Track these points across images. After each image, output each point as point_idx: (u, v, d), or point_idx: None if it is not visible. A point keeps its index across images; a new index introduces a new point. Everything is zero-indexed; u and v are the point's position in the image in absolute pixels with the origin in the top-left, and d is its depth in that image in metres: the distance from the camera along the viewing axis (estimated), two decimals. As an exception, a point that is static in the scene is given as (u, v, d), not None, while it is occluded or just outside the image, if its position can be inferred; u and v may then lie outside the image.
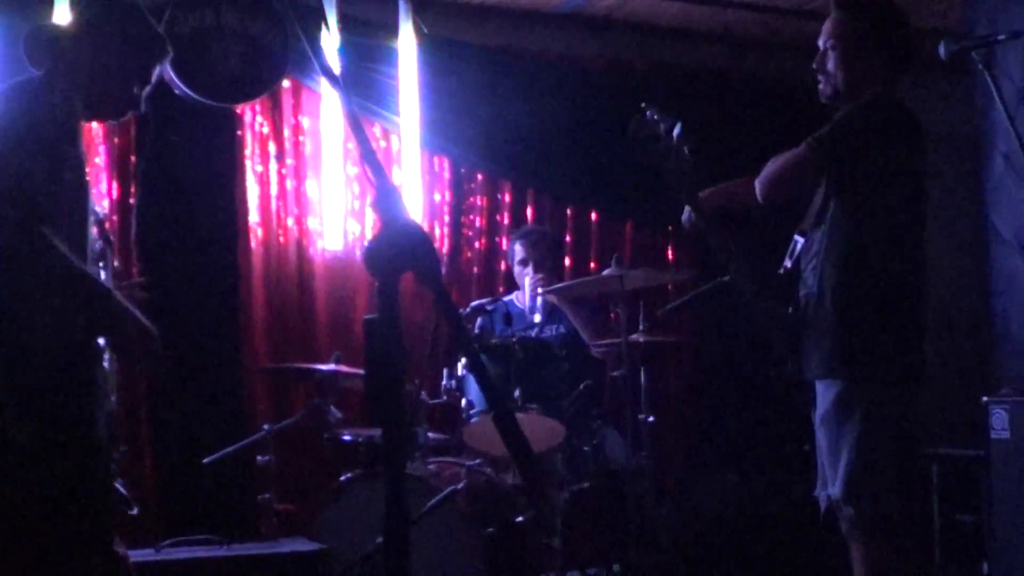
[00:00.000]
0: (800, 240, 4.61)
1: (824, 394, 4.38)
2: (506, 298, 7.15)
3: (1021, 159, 4.08)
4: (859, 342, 4.33)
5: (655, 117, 4.73)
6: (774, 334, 4.55)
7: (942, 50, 4.24)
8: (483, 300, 6.27)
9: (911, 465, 4.40)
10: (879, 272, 4.39)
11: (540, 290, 6.70)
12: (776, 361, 4.57)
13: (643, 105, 4.80)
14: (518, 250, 6.97)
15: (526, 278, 6.87)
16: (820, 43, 4.59)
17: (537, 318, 6.75)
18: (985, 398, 5.87)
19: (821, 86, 4.62)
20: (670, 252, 8.51)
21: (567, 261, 8.10)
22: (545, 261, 6.88)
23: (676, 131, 4.66)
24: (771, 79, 8.68)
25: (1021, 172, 6.00)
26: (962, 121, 7.37)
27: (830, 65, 4.54)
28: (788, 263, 4.65)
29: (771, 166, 4.48)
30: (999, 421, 5.77)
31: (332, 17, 7.14)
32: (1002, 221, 6.63)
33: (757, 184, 4.52)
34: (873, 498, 4.27)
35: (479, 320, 6.62)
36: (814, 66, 4.60)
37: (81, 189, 3.59)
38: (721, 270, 4.75)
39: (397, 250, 2.21)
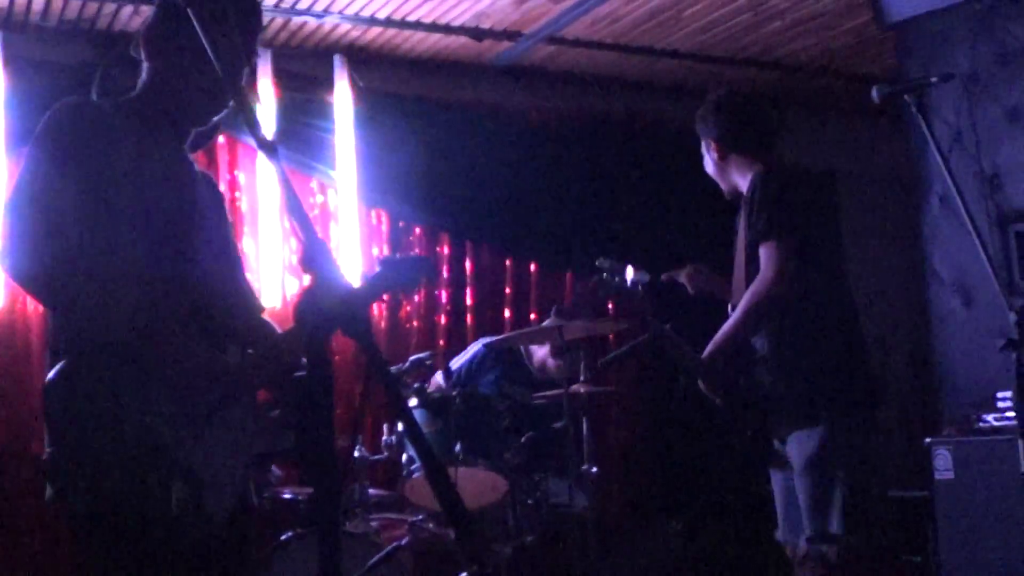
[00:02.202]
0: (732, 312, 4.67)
1: (804, 443, 4.48)
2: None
3: (956, 201, 4.09)
4: (830, 386, 4.47)
5: (611, 275, 4.98)
6: (732, 408, 4.61)
7: (875, 94, 4.27)
8: (421, 355, 6.21)
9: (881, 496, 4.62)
10: (825, 315, 4.55)
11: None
12: (739, 430, 4.64)
13: (596, 263, 5.17)
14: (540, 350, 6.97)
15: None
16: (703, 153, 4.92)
17: None
18: (928, 439, 5.89)
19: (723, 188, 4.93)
20: (609, 302, 8.50)
21: (507, 312, 8.09)
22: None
23: (636, 282, 4.89)
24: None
25: (957, 213, 6.04)
26: (899, 164, 7.42)
27: (715, 173, 4.92)
28: None
29: (760, 284, 4.49)
30: (943, 462, 5.78)
31: (267, 72, 7.14)
32: (940, 263, 6.68)
33: (759, 305, 4.48)
34: (866, 529, 4.40)
35: (494, 368, 6.70)
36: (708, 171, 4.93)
37: None
38: (661, 320, 4.80)
39: (326, 306, 2.18)
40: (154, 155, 3.23)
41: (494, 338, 6.78)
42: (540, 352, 6.93)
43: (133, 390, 2.98)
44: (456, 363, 6.97)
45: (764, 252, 4.49)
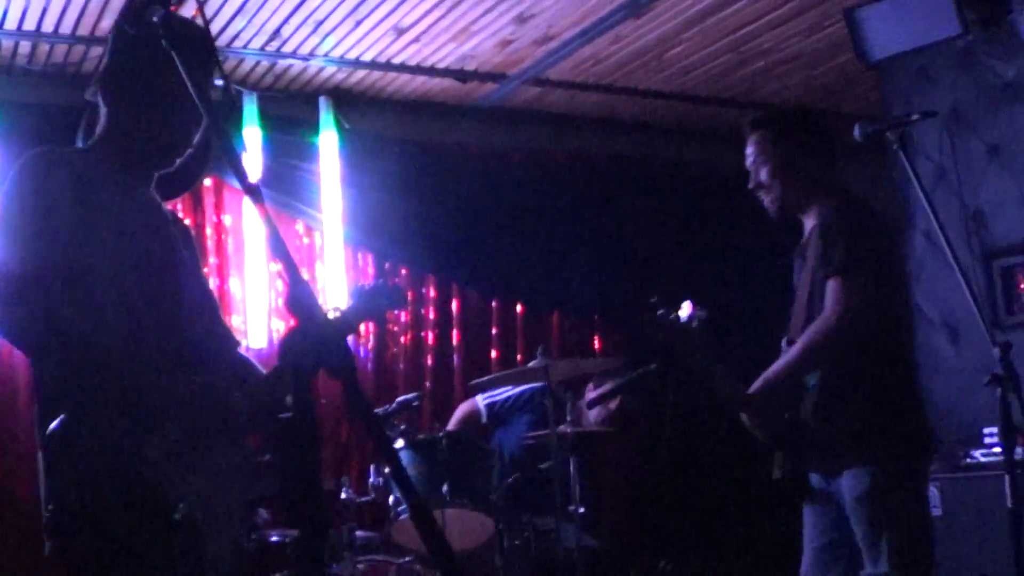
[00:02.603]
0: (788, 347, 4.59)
1: (856, 481, 4.37)
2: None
3: (940, 237, 4.10)
4: (885, 426, 4.38)
5: (666, 312, 4.70)
6: (775, 443, 4.54)
7: (857, 133, 4.28)
8: (408, 396, 6.21)
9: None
10: (884, 357, 4.44)
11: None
12: (779, 465, 4.59)
13: (650, 300, 4.76)
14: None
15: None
16: (748, 164, 4.67)
17: None
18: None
19: (766, 204, 4.67)
20: (596, 341, 8.52)
21: (493, 353, 8.10)
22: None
23: (692, 317, 4.66)
24: (689, 165, 8.76)
25: (942, 250, 6.05)
26: (881, 202, 7.44)
27: (766, 182, 4.62)
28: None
29: (825, 322, 4.35)
30: (931, 498, 5.78)
31: (253, 114, 7.15)
32: (925, 299, 6.69)
33: (822, 342, 4.39)
34: (922, 571, 4.36)
35: (529, 413, 6.76)
36: (751, 186, 4.66)
37: None
38: (647, 359, 4.73)
39: (310, 348, 2.18)
40: (127, 198, 3.22)
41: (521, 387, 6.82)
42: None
43: (133, 442, 2.96)
44: (491, 398, 7.03)
45: (833, 287, 4.35)
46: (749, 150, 4.67)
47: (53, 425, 2.98)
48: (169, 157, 3.35)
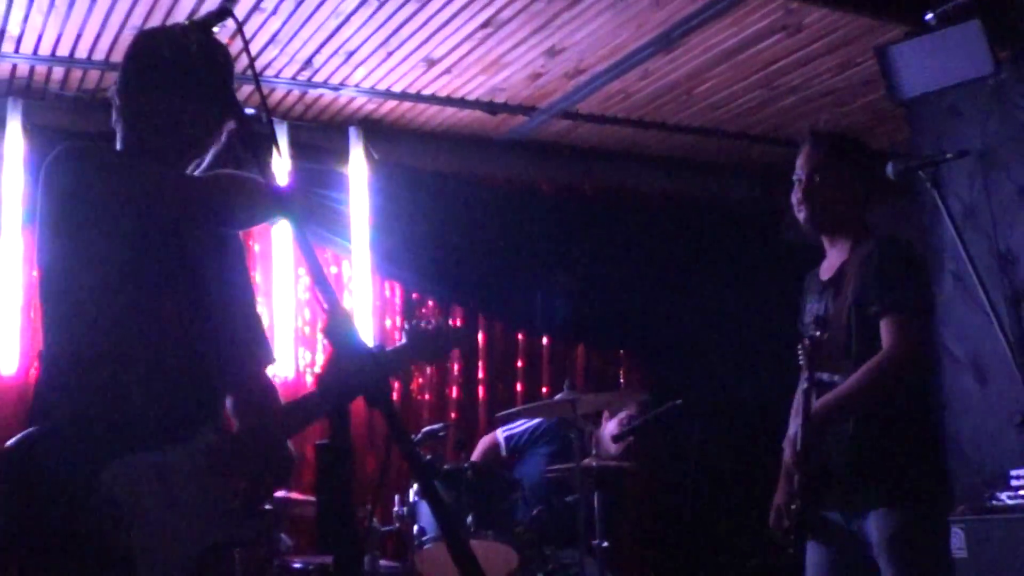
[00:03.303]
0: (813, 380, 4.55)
1: (885, 522, 4.36)
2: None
3: (970, 277, 4.09)
4: (919, 467, 4.40)
5: None
6: (806, 477, 4.50)
7: (890, 170, 4.28)
8: (433, 426, 6.21)
9: None
10: (920, 399, 4.49)
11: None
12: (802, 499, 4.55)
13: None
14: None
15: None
16: (800, 174, 4.64)
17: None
18: (942, 517, 5.84)
19: (803, 214, 4.64)
20: (622, 375, 8.51)
21: (518, 386, 8.10)
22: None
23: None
24: (717, 200, 8.76)
25: (971, 290, 6.03)
26: (912, 239, 7.42)
27: (816, 192, 4.60)
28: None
29: (890, 360, 4.32)
30: (957, 540, 5.73)
31: (283, 143, 7.18)
32: (953, 340, 6.65)
33: (890, 381, 4.33)
34: None
35: (547, 444, 6.75)
36: (795, 197, 4.64)
37: None
38: (673, 394, 4.72)
39: (348, 376, 2.19)
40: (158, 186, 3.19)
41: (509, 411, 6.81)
42: (607, 436, 6.97)
43: (90, 467, 2.86)
44: (509, 431, 7.05)
45: (895, 325, 4.33)
46: (808, 158, 4.65)
47: (10, 441, 2.94)
48: (192, 151, 3.36)
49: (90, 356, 2.99)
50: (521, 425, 7.11)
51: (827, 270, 4.70)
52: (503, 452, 7.17)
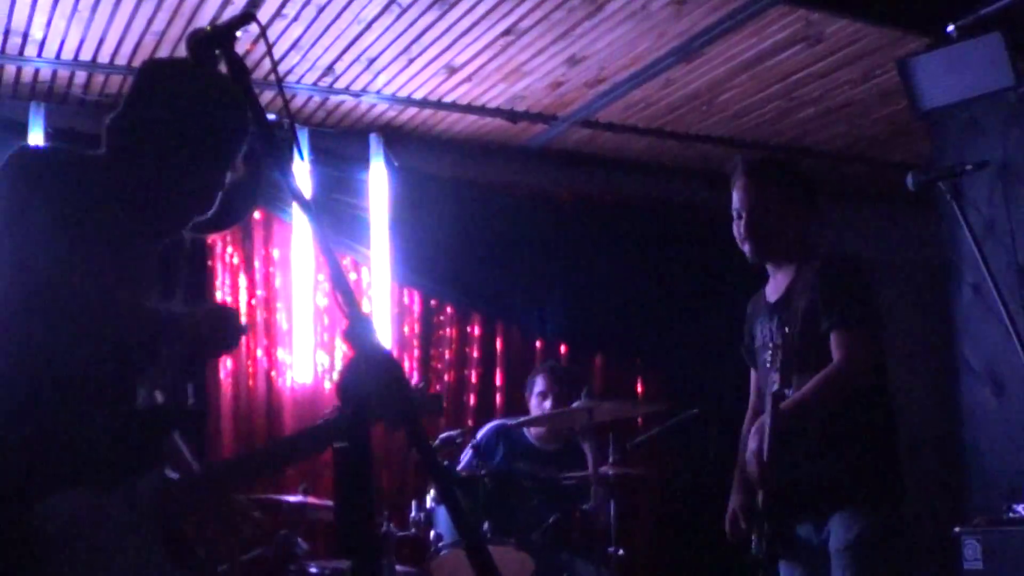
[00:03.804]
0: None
1: (847, 525, 4.38)
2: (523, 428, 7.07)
3: (989, 289, 4.09)
4: (876, 473, 4.44)
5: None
6: (768, 489, 4.52)
7: (910, 181, 4.29)
8: (452, 432, 6.22)
9: None
10: (876, 409, 4.51)
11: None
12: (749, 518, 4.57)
13: None
14: (539, 382, 6.97)
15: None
16: (740, 209, 4.68)
17: None
18: (957, 528, 5.82)
19: (749, 248, 4.71)
20: (639, 384, 8.52)
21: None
22: (565, 398, 6.85)
23: None
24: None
25: (990, 302, 6.03)
26: (930, 251, 7.42)
27: (757, 225, 4.64)
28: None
29: (839, 372, 4.36)
30: (972, 552, 5.72)
31: (304, 148, 7.20)
32: (971, 351, 6.65)
33: (836, 390, 4.37)
34: None
35: (500, 445, 6.68)
36: (738, 233, 4.71)
37: None
38: (690, 403, 4.73)
39: (368, 380, 2.19)
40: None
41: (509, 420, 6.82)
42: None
43: (23, 503, 2.71)
44: (476, 441, 7.02)
45: (840, 340, 4.39)
46: (745, 192, 4.67)
47: None
48: (179, 226, 3.22)
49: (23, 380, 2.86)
50: (483, 431, 7.02)
51: (773, 292, 4.78)
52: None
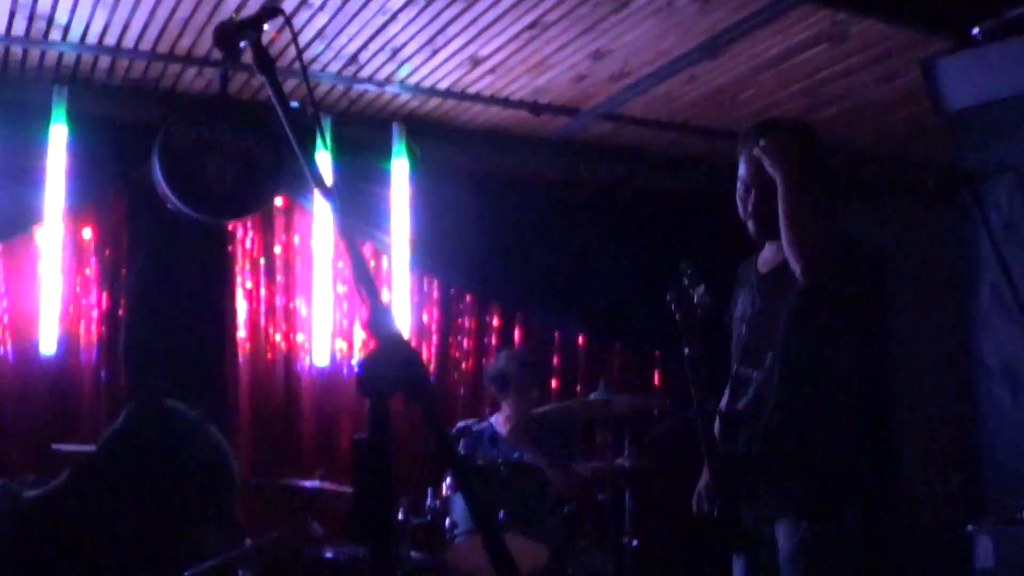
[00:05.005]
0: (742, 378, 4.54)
1: (790, 533, 4.29)
2: (492, 419, 7.15)
3: (1007, 289, 4.10)
4: (826, 481, 4.27)
5: (689, 285, 4.63)
6: (718, 474, 4.50)
7: (933, 181, 4.29)
8: (469, 421, 6.27)
9: None
10: (844, 406, 4.35)
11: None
12: (710, 499, 4.55)
13: (681, 266, 4.74)
14: (506, 371, 7.00)
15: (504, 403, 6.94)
16: (749, 184, 4.74)
17: None
18: (970, 526, 5.82)
19: (753, 227, 4.75)
20: (656, 377, 8.53)
21: (553, 383, 8.12)
22: (530, 387, 6.88)
23: (700, 291, 4.57)
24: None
25: (1008, 302, 6.04)
26: (950, 251, 7.42)
27: (765, 209, 4.66)
28: (726, 403, 4.60)
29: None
30: (984, 549, 5.74)
31: (327, 137, 7.22)
32: (988, 351, 6.65)
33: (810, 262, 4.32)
34: None
35: (463, 441, 6.62)
36: (742, 208, 4.77)
37: None
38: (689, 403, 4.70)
39: (389, 369, 2.22)
40: None
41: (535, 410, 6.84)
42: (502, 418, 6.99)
43: None
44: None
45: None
46: (747, 170, 4.79)
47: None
48: None
49: None
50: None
51: (765, 263, 4.71)
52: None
